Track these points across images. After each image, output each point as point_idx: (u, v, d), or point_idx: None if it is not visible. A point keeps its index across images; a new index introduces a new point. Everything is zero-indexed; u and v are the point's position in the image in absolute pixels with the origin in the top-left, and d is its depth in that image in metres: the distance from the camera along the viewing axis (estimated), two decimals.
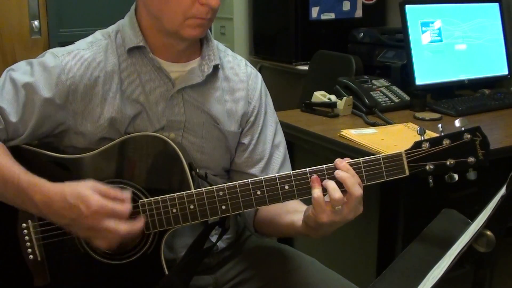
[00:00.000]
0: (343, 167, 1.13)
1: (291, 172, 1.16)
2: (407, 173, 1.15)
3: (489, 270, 0.95)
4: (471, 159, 1.14)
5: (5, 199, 1.18)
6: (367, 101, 2.15)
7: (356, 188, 1.11)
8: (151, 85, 1.28)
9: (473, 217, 1.06)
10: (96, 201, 1.10)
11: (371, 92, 2.22)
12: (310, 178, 1.14)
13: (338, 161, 1.15)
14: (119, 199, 1.14)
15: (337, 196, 1.11)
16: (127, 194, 1.16)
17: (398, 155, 1.15)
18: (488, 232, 0.90)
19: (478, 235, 0.90)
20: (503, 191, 0.91)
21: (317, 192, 1.12)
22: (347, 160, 1.15)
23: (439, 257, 1.00)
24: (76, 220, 1.12)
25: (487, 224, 0.89)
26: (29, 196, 1.14)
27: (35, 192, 1.13)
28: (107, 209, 1.11)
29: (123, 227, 1.12)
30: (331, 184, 1.12)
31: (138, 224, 1.15)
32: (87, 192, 1.11)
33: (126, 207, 1.14)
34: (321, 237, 1.22)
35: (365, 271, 2.07)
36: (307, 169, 1.15)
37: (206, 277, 1.37)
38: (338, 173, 1.13)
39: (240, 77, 1.38)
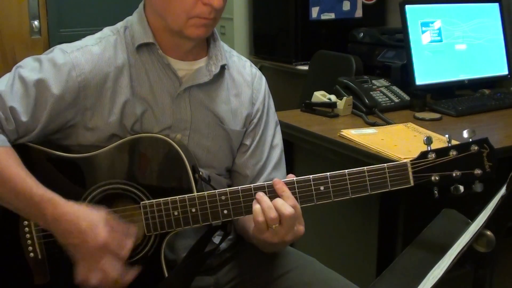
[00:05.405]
0: (278, 189, 1.14)
1: (295, 178, 1.16)
2: (412, 183, 1.14)
3: (489, 270, 0.95)
4: (477, 171, 1.13)
5: (14, 208, 1.18)
6: (367, 101, 2.15)
7: (286, 207, 1.11)
8: (158, 83, 1.28)
9: (473, 217, 1.06)
10: (104, 236, 1.12)
11: (371, 92, 2.22)
12: (312, 185, 1.14)
13: (276, 181, 1.15)
14: (125, 234, 1.16)
15: (272, 215, 1.11)
16: (133, 229, 1.17)
17: (403, 164, 1.14)
18: (488, 232, 0.90)
19: (478, 235, 0.90)
20: (503, 191, 0.91)
21: (256, 208, 1.13)
22: (289, 178, 1.16)
23: (439, 257, 1.00)
24: (78, 246, 1.13)
25: (487, 224, 0.89)
26: (41, 210, 1.14)
27: (47, 207, 1.13)
28: (110, 248, 1.13)
29: (115, 273, 1.14)
30: (266, 203, 1.13)
31: (128, 278, 1.16)
32: (100, 223, 1.13)
33: (126, 251, 1.15)
34: (271, 252, 1.27)
35: (365, 271, 2.07)
36: (311, 176, 1.15)
37: (207, 278, 1.37)
38: (259, 195, 1.13)
39: (246, 78, 1.39)
